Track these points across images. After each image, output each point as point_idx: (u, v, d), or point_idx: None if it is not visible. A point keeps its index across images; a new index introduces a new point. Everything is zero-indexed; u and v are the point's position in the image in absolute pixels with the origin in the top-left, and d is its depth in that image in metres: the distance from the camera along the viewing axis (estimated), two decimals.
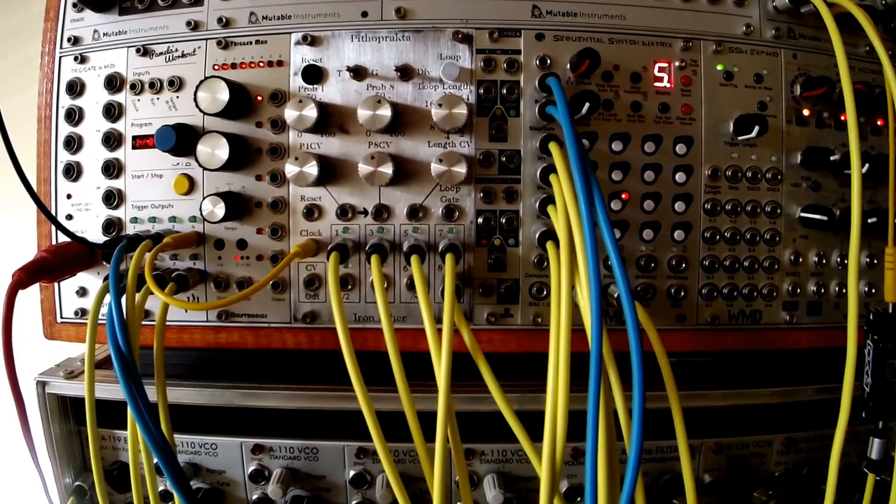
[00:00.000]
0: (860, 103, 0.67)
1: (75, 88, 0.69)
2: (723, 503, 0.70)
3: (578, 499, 0.67)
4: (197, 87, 0.62)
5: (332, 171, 0.65)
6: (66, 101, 0.69)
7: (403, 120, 0.64)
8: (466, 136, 0.64)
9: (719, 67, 0.67)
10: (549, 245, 0.59)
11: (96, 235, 0.68)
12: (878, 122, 0.72)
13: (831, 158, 0.68)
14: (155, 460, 0.62)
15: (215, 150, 0.61)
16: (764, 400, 0.69)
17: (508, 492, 0.66)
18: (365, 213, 0.65)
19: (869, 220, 0.67)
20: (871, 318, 0.64)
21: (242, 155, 0.65)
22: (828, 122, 0.70)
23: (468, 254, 0.65)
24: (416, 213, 0.65)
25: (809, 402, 0.69)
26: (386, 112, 0.60)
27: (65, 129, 0.69)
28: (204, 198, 0.63)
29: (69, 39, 0.70)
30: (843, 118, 0.71)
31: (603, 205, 0.51)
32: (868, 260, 0.71)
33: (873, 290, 0.70)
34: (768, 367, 0.72)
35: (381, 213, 0.65)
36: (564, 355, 0.51)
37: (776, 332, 0.70)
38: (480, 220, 0.65)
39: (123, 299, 0.58)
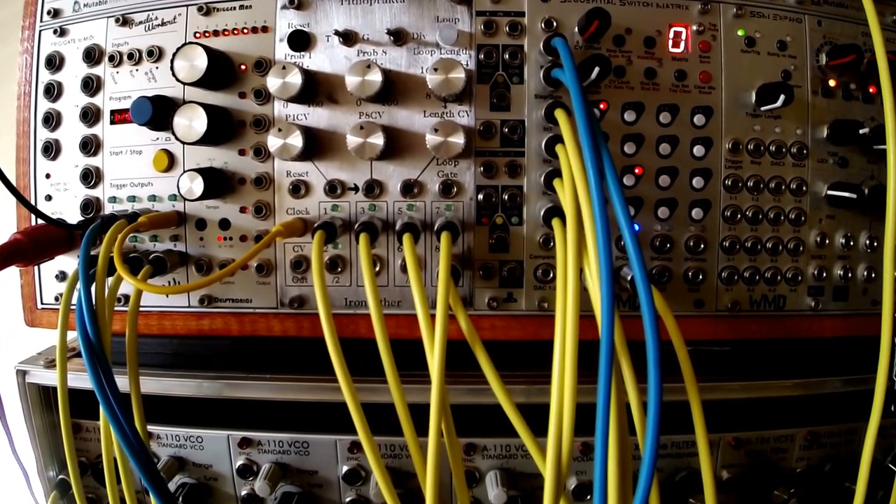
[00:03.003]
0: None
1: (54, 62, 0.61)
2: (741, 501, 0.62)
3: (588, 497, 0.59)
4: (174, 56, 0.54)
5: (319, 144, 0.56)
6: (45, 77, 0.62)
7: (397, 88, 0.56)
8: (465, 104, 0.56)
9: (740, 33, 0.58)
10: (556, 223, 0.51)
11: (76, 216, 0.60)
12: None
13: (860, 132, 0.59)
14: None
15: (193, 121, 0.53)
16: (787, 392, 0.61)
17: (512, 489, 0.58)
18: (355, 189, 0.57)
19: None
20: None
21: (225, 128, 0.57)
22: (855, 94, 0.61)
23: (468, 233, 0.57)
24: (410, 188, 0.56)
25: (834, 395, 0.61)
26: (376, 77, 0.52)
27: (44, 105, 0.62)
28: (182, 174, 0.55)
29: (49, 12, 0.62)
30: (871, 90, 0.62)
31: (615, 176, 0.42)
32: None
33: None
34: (791, 356, 0.63)
35: (373, 189, 0.56)
36: (571, 343, 0.43)
37: (801, 320, 0.61)
38: (481, 196, 0.56)
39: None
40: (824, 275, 0.60)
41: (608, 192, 0.42)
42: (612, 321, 0.41)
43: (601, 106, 0.56)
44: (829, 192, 0.60)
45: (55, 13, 0.62)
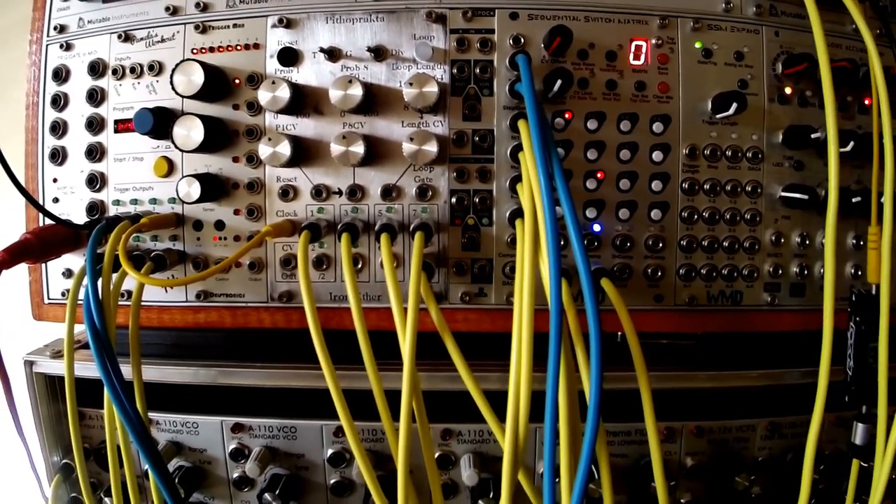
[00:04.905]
0: (845, 81, 0.67)
1: (61, 75, 0.71)
2: (706, 487, 0.70)
3: (556, 479, 0.67)
4: (173, 71, 0.63)
5: (306, 152, 0.66)
6: (52, 88, 0.71)
7: (377, 100, 0.65)
8: (440, 115, 0.65)
9: (697, 45, 0.67)
10: (518, 223, 0.59)
11: (82, 217, 0.70)
12: (866, 101, 0.71)
13: (812, 136, 0.67)
14: None
15: (191, 131, 0.63)
16: (750, 382, 0.69)
17: (484, 472, 0.67)
18: (339, 193, 0.66)
19: (853, 200, 0.66)
20: (854, 299, 0.64)
21: (220, 137, 0.66)
22: (811, 101, 0.69)
23: (442, 233, 0.66)
24: (389, 192, 0.66)
25: (794, 388, 0.69)
26: (357, 92, 0.61)
27: (51, 114, 0.71)
28: (181, 179, 0.64)
29: (56, 28, 0.72)
30: None
31: (561, 174, 0.51)
32: (854, 241, 0.70)
33: (859, 273, 0.70)
34: (753, 350, 0.71)
35: (356, 193, 0.66)
36: (527, 332, 0.52)
37: (758, 314, 0.69)
38: (454, 199, 0.66)
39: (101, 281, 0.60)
40: (780, 272, 0.68)
41: (556, 188, 0.51)
42: (560, 311, 0.50)
43: (566, 115, 0.65)
44: (784, 194, 0.68)
45: (61, 29, 0.71)
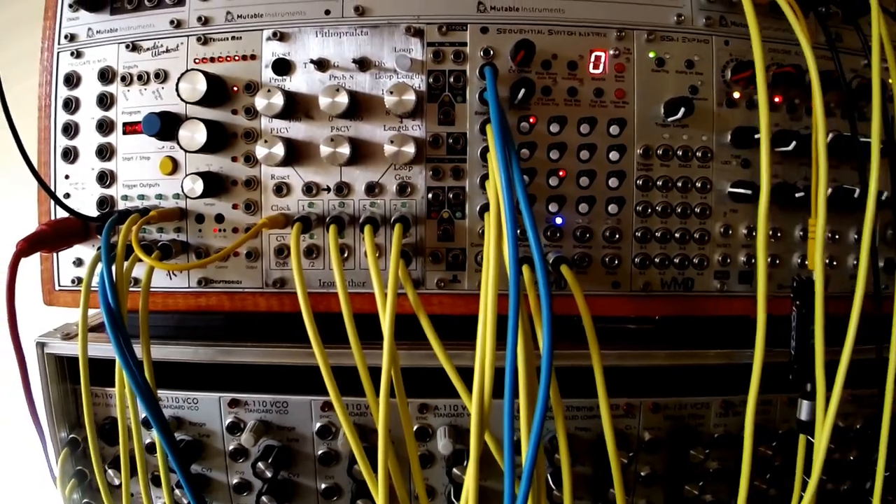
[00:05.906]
0: (792, 84, 0.79)
1: (72, 80, 0.82)
2: (664, 460, 0.82)
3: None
4: (178, 79, 0.75)
5: (298, 153, 0.78)
6: (63, 92, 0.82)
7: (361, 107, 0.77)
8: (418, 120, 0.77)
9: (651, 55, 0.78)
10: (486, 215, 0.71)
11: (91, 211, 0.81)
12: None
13: (756, 136, 0.77)
14: (142, 414, 0.76)
15: (195, 134, 0.75)
16: (707, 361, 0.79)
17: (458, 444, 0.78)
18: (328, 189, 0.78)
19: (797, 195, 0.78)
20: (795, 285, 0.75)
21: (220, 139, 0.78)
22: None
23: (420, 226, 0.78)
24: (372, 189, 0.78)
25: (747, 368, 0.75)
26: (343, 99, 0.73)
27: (63, 117, 0.82)
28: (185, 176, 0.76)
29: (66, 36, 0.83)
30: (776, 100, 0.81)
31: (520, 172, 0.63)
32: (801, 234, 0.81)
33: (806, 263, 0.81)
34: (709, 333, 0.82)
35: (342, 189, 0.78)
36: (491, 313, 0.62)
37: (709, 300, 0.81)
38: (430, 195, 0.78)
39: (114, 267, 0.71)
40: (729, 261, 0.80)
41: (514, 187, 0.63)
42: (519, 293, 0.61)
43: (531, 120, 0.77)
44: (731, 190, 0.79)
45: (72, 37, 0.82)
